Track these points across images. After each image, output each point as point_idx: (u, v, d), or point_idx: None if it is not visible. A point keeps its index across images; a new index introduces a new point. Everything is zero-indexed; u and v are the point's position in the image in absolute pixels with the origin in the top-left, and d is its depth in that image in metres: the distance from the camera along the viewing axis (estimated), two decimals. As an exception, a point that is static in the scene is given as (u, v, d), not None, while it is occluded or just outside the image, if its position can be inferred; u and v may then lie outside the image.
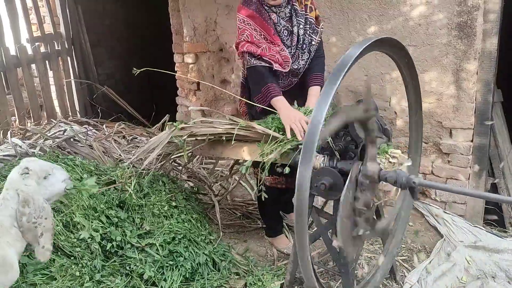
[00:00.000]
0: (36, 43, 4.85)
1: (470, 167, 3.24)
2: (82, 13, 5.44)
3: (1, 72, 4.43)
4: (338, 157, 2.03)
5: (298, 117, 2.25)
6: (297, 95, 2.57)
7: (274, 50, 2.49)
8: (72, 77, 5.27)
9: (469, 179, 3.27)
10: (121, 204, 2.46)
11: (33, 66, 4.84)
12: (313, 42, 2.60)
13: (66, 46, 5.22)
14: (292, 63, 2.56)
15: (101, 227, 2.23)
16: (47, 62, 4.94)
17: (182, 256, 2.36)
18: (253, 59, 2.48)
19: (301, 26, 2.56)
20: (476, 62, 3.01)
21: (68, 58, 5.25)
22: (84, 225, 2.17)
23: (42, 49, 4.92)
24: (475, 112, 3.12)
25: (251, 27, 2.51)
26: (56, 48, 5.08)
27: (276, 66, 2.48)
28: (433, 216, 3.31)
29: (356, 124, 1.94)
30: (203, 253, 2.47)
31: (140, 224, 2.41)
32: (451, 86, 3.12)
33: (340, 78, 1.58)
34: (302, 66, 2.61)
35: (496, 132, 3.39)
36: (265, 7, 2.54)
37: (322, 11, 3.51)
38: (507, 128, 3.51)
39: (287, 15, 2.57)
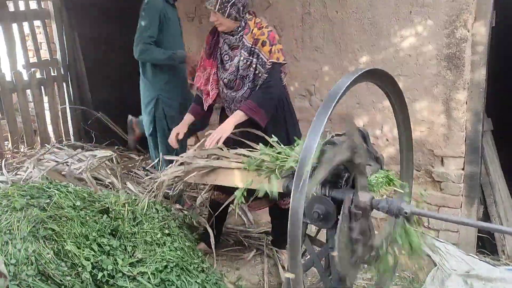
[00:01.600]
0: (32, 69, 4.89)
1: (462, 195, 3.26)
2: (79, 40, 5.50)
3: (-4, 98, 4.45)
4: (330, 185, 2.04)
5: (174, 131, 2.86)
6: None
7: (203, 78, 2.83)
8: (67, 103, 5.28)
9: (461, 207, 3.29)
10: (113, 232, 2.44)
11: (29, 91, 4.86)
12: (260, 75, 2.66)
13: (62, 72, 5.26)
14: (232, 90, 2.75)
15: (93, 255, 2.21)
16: (42, 87, 4.96)
17: (174, 285, 2.33)
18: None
19: (242, 58, 2.66)
20: (466, 92, 3.08)
21: (64, 84, 5.28)
22: (75, 254, 2.15)
23: (38, 75, 4.95)
24: (465, 141, 3.17)
25: (204, 47, 2.85)
26: (52, 74, 5.12)
27: (204, 99, 2.85)
28: (426, 244, 3.31)
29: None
30: (196, 281, 2.44)
31: (132, 252, 2.39)
32: (442, 115, 3.17)
33: (331, 108, 1.61)
34: (240, 95, 2.74)
35: (487, 161, 3.43)
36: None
37: (315, 41, 3.59)
38: (497, 156, 3.56)
39: (233, 42, 2.70)
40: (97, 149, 4.53)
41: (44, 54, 5.19)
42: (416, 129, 3.17)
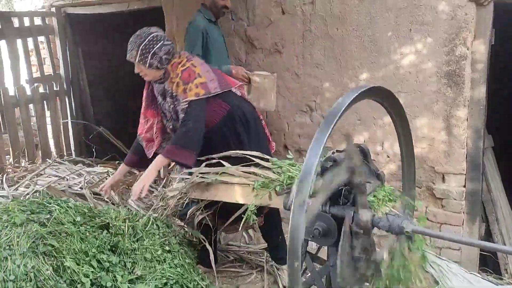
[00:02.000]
0: (35, 84, 4.93)
1: (463, 212, 3.25)
2: (82, 55, 5.56)
3: (-1, 112, 4.48)
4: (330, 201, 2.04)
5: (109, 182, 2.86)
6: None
7: (146, 126, 2.81)
8: (69, 117, 5.31)
9: (463, 224, 3.27)
10: (113, 248, 2.42)
11: (31, 106, 4.89)
12: (180, 116, 2.60)
13: (65, 87, 5.30)
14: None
15: (92, 272, 2.19)
16: (45, 102, 4.99)
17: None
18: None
19: (169, 103, 2.64)
20: (466, 109, 3.09)
21: (66, 99, 5.32)
22: (74, 270, 2.14)
23: (41, 90, 4.99)
24: (466, 158, 3.16)
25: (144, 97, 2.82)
26: (55, 88, 5.16)
27: (146, 146, 2.83)
28: (428, 262, 3.28)
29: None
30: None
31: (132, 268, 2.37)
32: (442, 132, 3.18)
33: (332, 125, 1.61)
34: None
35: (488, 178, 3.42)
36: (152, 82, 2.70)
37: (316, 58, 3.62)
38: (499, 173, 3.55)
39: (162, 91, 2.67)
40: (97, 164, 4.54)
41: (47, 69, 5.24)
42: (417, 145, 3.17)
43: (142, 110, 2.83)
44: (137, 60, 2.53)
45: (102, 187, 2.93)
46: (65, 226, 2.33)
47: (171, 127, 2.74)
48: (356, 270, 1.78)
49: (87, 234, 2.36)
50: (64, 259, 2.16)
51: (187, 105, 2.52)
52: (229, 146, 2.64)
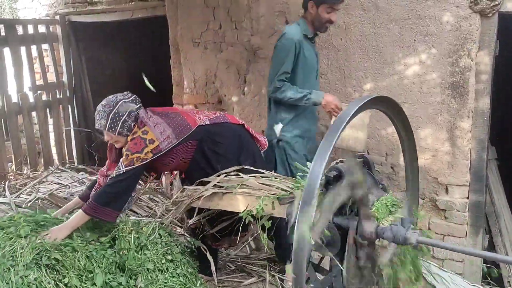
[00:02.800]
0: (38, 91, 4.94)
1: (467, 224, 3.23)
2: (85, 63, 5.58)
3: (2, 119, 4.48)
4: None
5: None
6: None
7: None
8: (71, 125, 5.32)
9: (466, 236, 3.24)
10: (120, 266, 2.41)
11: (34, 113, 4.90)
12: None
13: (68, 94, 5.31)
14: None
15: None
16: (47, 110, 5.00)
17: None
18: None
19: None
20: (470, 120, 3.08)
21: (69, 106, 5.33)
22: (76, 286, 2.13)
23: (44, 97, 5.00)
24: (470, 169, 3.15)
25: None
26: (58, 96, 5.17)
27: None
28: (431, 274, 3.26)
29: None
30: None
31: (135, 278, 2.36)
32: (446, 143, 3.17)
33: (338, 135, 1.61)
34: None
35: (492, 189, 3.41)
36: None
37: (319, 68, 3.62)
38: (502, 185, 3.53)
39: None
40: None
41: (51, 77, 5.26)
42: (420, 156, 3.15)
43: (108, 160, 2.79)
44: (107, 128, 2.52)
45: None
46: (71, 240, 2.33)
47: None
48: (363, 278, 1.77)
49: (94, 253, 2.35)
50: (66, 274, 2.15)
51: (123, 171, 2.47)
52: (214, 171, 2.64)
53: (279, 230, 2.95)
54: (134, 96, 2.65)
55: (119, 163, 2.52)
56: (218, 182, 2.53)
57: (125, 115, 2.53)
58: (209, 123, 2.72)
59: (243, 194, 2.42)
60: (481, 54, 3.02)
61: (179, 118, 2.67)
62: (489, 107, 3.08)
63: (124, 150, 2.56)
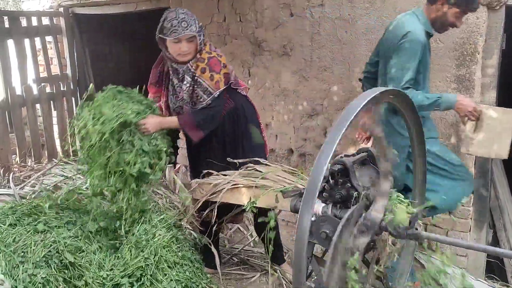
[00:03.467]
0: (42, 84, 4.94)
1: (471, 218, 3.21)
2: (89, 56, 5.57)
3: (6, 111, 4.48)
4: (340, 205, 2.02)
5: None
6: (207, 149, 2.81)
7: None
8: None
9: (470, 231, 3.23)
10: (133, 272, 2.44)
11: (38, 105, 4.90)
12: (200, 99, 2.68)
13: (72, 87, 5.31)
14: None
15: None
16: (51, 102, 5.00)
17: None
18: None
19: (187, 85, 2.68)
20: (475, 114, 3.05)
21: (73, 99, 5.33)
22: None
23: (48, 89, 5.00)
24: (475, 164, 3.13)
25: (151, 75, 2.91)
26: (62, 88, 5.17)
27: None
28: (434, 267, 3.25)
29: (362, 169, 1.94)
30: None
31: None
32: (451, 138, 3.15)
33: (344, 129, 1.59)
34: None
35: (496, 184, 3.39)
36: (170, 62, 2.74)
37: (323, 61, 3.60)
38: (507, 180, 3.51)
39: (181, 74, 2.71)
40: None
41: (55, 69, 5.25)
42: (425, 150, 3.14)
43: (148, 88, 2.93)
44: (197, 31, 2.59)
45: None
46: (87, 240, 2.35)
47: (174, 107, 2.79)
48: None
49: (105, 257, 2.37)
50: (76, 274, 2.16)
51: (217, 95, 2.65)
52: (224, 140, 2.81)
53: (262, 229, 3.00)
54: None
55: (206, 86, 2.63)
56: (236, 175, 2.53)
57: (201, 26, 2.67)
58: (245, 95, 2.89)
59: (244, 186, 2.42)
60: (488, 47, 2.99)
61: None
62: (495, 101, 3.05)
63: (204, 71, 2.63)
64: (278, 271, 3.11)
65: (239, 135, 2.83)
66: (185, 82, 2.68)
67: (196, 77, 2.65)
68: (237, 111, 2.82)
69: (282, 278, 3.06)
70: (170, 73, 2.77)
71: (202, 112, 2.68)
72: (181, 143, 4.56)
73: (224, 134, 2.81)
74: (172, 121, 2.71)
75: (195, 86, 2.66)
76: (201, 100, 2.67)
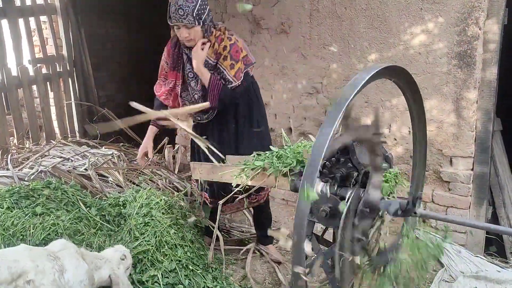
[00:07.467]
0: (38, 65, 4.88)
1: (470, 195, 3.21)
2: (85, 37, 5.49)
3: (2, 93, 4.44)
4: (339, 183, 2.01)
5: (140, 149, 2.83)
6: (216, 129, 2.80)
7: (165, 88, 2.81)
8: (72, 99, 5.27)
9: (469, 208, 3.24)
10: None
11: (34, 87, 4.85)
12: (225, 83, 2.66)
13: (68, 68, 5.24)
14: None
15: None
16: (48, 83, 4.95)
17: (182, 285, 2.33)
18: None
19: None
20: (476, 91, 3.03)
21: (69, 80, 5.27)
22: None
23: (44, 71, 4.94)
24: (475, 141, 3.12)
25: (164, 58, 2.83)
26: (58, 69, 5.11)
27: (165, 103, 2.84)
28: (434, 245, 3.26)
29: (363, 147, 1.93)
30: (203, 281, 2.44)
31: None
32: (451, 115, 3.12)
33: (346, 103, 1.56)
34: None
35: (496, 161, 3.38)
36: (183, 47, 2.70)
37: (322, 38, 3.55)
38: (507, 157, 3.51)
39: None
40: (102, 146, 4.52)
41: (50, 50, 5.18)
42: (425, 128, 3.12)
43: (162, 71, 2.85)
44: (195, 24, 2.53)
45: (138, 158, 2.93)
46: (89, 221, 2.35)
47: (191, 98, 2.76)
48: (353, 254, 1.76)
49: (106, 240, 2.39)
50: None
51: (240, 82, 2.66)
52: (238, 120, 2.80)
53: (261, 211, 3.08)
54: None
55: (227, 76, 2.62)
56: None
57: (208, 10, 2.58)
58: (252, 75, 2.87)
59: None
60: (489, 22, 2.94)
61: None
62: (497, 77, 3.02)
63: (223, 58, 2.60)
64: (263, 251, 3.18)
65: (252, 116, 2.84)
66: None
67: (217, 67, 2.64)
68: (249, 92, 2.82)
69: (270, 259, 3.11)
70: (186, 60, 2.72)
71: (229, 90, 2.65)
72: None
73: (238, 116, 2.81)
74: (206, 75, 2.62)
75: (217, 76, 2.64)
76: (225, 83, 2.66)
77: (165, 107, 2.86)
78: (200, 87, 2.70)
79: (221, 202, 2.63)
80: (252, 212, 3.26)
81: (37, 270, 1.66)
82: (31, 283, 1.64)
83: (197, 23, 2.54)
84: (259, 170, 2.27)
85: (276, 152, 2.32)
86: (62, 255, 1.79)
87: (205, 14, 2.56)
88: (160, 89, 2.86)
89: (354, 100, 1.56)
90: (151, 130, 2.87)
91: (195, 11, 2.51)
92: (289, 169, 2.20)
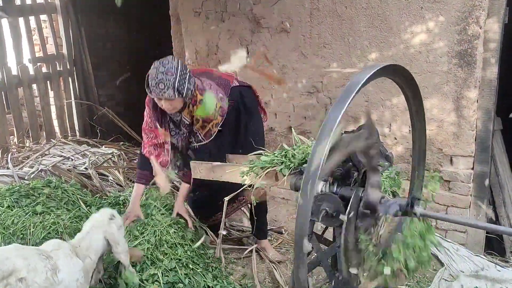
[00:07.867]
0: (38, 64, 4.88)
1: (471, 195, 3.21)
2: (85, 36, 5.49)
3: (2, 92, 4.44)
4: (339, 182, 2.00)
5: (128, 213, 2.66)
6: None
7: (154, 141, 2.77)
8: (72, 98, 5.28)
9: (469, 207, 3.24)
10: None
11: (34, 86, 4.86)
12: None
13: (68, 67, 5.25)
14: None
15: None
16: (48, 82, 4.95)
17: (182, 283, 2.33)
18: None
19: (182, 132, 2.72)
20: (477, 90, 3.03)
21: (70, 79, 5.27)
22: None
23: (44, 70, 4.94)
24: (475, 140, 3.12)
25: (147, 113, 2.78)
26: (58, 68, 5.11)
27: (152, 159, 2.76)
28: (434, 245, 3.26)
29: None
30: (204, 280, 2.45)
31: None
32: (452, 114, 3.12)
33: (348, 102, 1.55)
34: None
35: (496, 161, 3.38)
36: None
37: (322, 37, 3.54)
38: (507, 156, 3.50)
39: (177, 120, 2.70)
40: (102, 145, 4.52)
41: (50, 49, 5.18)
42: (426, 127, 3.12)
43: (148, 126, 2.79)
44: (175, 97, 2.46)
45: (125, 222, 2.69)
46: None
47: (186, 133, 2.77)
48: (359, 252, 1.76)
49: None
50: None
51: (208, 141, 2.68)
52: (238, 132, 2.84)
53: (260, 208, 3.06)
54: (178, 59, 2.58)
55: (197, 134, 2.66)
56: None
57: (188, 79, 2.50)
58: (238, 84, 2.86)
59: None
60: (490, 21, 2.93)
61: (217, 76, 2.81)
62: (497, 76, 3.02)
63: (198, 121, 2.63)
64: (258, 247, 3.18)
65: (240, 126, 2.85)
66: (181, 132, 2.73)
67: (192, 129, 2.68)
68: (237, 105, 2.81)
69: (265, 255, 3.12)
70: (168, 119, 2.74)
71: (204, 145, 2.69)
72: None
73: (228, 127, 2.80)
74: (184, 189, 2.79)
75: (191, 135, 2.70)
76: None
77: (147, 167, 2.79)
78: (186, 130, 2.73)
79: (227, 198, 2.64)
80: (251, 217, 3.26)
81: (29, 268, 1.66)
82: (23, 281, 1.63)
83: (177, 96, 2.46)
84: (269, 169, 2.25)
85: (285, 151, 2.31)
86: (55, 255, 1.77)
87: (186, 84, 2.48)
88: (146, 144, 2.82)
89: (355, 99, 1.55)
90: (139, 189, 2.78)
91: (176, 84, 2.42)
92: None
